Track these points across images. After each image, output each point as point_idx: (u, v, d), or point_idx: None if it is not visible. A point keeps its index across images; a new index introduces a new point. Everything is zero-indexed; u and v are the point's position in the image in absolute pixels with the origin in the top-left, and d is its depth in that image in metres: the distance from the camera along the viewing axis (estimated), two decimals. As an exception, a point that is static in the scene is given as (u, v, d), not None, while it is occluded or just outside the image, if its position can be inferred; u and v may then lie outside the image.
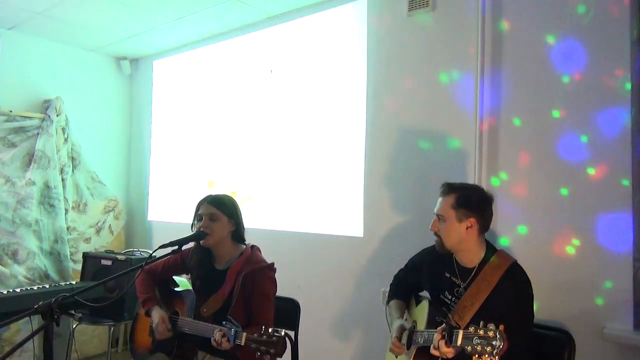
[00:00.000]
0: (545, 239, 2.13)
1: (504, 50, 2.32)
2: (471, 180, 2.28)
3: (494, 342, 1.30)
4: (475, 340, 1.33)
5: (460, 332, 1.39)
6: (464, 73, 2.42)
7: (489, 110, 2.33)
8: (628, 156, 1.94)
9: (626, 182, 1.94)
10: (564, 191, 2.09)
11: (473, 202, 1.70)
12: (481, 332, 1.33)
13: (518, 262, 1.71)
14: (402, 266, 2.05)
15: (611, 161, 1.98)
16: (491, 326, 1.32)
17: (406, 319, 1.90)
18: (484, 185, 2.23)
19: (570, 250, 2.06)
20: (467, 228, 1.69)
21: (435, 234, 1.76)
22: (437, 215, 1.75)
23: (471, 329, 1.35)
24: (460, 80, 2.43)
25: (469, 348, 1.34)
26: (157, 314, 2.00)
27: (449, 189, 1.75)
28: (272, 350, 1.55)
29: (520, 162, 2.23)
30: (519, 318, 1.57)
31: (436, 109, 2.52)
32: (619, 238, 1.94)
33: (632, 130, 1.95)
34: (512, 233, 2.22)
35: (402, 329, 1.78)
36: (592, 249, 2.00)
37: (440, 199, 1.77)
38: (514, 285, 1.63)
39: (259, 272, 1.94)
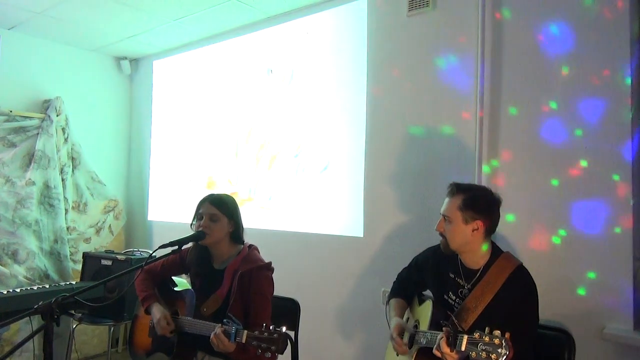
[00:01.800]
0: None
1: (504, 50, 2.32)
2: (471, 180, 2.28)
3: (499, 350, 1.28)
4: (480, 347, 1.31)
5: (465, 337, 1.37)
6: (463, 73, 2.42)
7: (489, 109, 2.33)
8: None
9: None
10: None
11: (481, 204, 1.67)
12: (487, 338, 1.31)
13: (524, 264, 1.69)
14: (403, 265, 2.04)
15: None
16: (497, 333, 1.31)
17: (407, 318, 1.90)
18: (484, 185, 2.23)
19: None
20: (473, 230, 1.66)
21: (441, 234, 1.74)
22: (443, 215, 1.72)
23: (476, 335, 1.34)
24: (460, 80, 2.43)
25: (473, 354, 1.32)
26: (158, 311, 1.99)
27: (457, 189, 1.71)
28: (273, 347, 1.55)
29: (520, 161, 2.24)
30: (523, 322, 1.56)
31: (436, 109, 2.52)
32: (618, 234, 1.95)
33: (632, 126, 1.94)
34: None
35: (400, 327, 1.76)
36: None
37: (447, 199, 1.73)
38: (518, 289, 1.61)
39: (256, 272, 1.94)
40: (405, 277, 2.01)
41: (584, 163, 2.03)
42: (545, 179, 2.14)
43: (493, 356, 1.29)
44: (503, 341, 1.29)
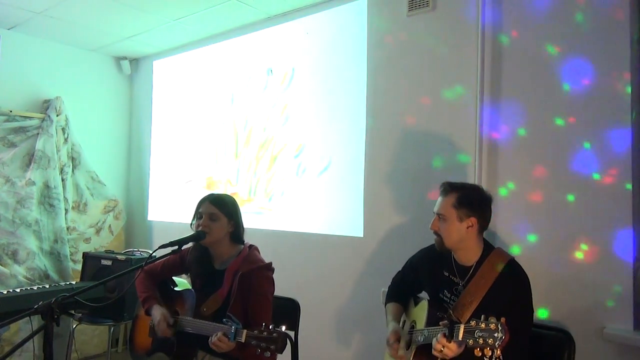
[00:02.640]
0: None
1: (503, 49, 2.31)
2: (471, 179, 2.28)
3: (495, 334, 1.30)
4: (477, 334, 1.33)
5: (462, 326, 1.39)
6: (464, 73, 2.41)
7: (489, 109, 2.33)
8: (629, 161, 1.94)
9: (629, 186, 1.93)
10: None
11: (474, 201, 1.71)
12: (482, 325, 1.33)
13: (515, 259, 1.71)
14: (401, 266, 2.05)
15: (615, 166, 1.97)
16: (492, 319, 1.33)
17: (404, 322, 1.91)
18: (483, 185, 2.23)
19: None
20: (467, 227, 1.69)
21: (435, 233, 1.76)
22: (438, 214, 1.75)
23: (472, 323, 1.36)
24: (461, 80, 2.43)
25: (471, 342, 1.34)
26: (158, 312, 1.99)
27: (450, 188, 1.75)
28: (272, 347, 1.55)
29: (521, 164, 2.23)
30: (518, 314, 1.58)
31: (436, 109, 2.52)
32: (623, 243, 1.94)
33: (633, 134, 1.94)
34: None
35: (397, 334, 1.77)
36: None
37: (440, 198, 1.76)
38: (511, 282, 1.64)
39: (256, 272, 1.94)
40: (400, 280, 2.02)
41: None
42: (548, 182, 2.15)
43: (490, 341, 1.30)
44: (499, 325, 1.31)
